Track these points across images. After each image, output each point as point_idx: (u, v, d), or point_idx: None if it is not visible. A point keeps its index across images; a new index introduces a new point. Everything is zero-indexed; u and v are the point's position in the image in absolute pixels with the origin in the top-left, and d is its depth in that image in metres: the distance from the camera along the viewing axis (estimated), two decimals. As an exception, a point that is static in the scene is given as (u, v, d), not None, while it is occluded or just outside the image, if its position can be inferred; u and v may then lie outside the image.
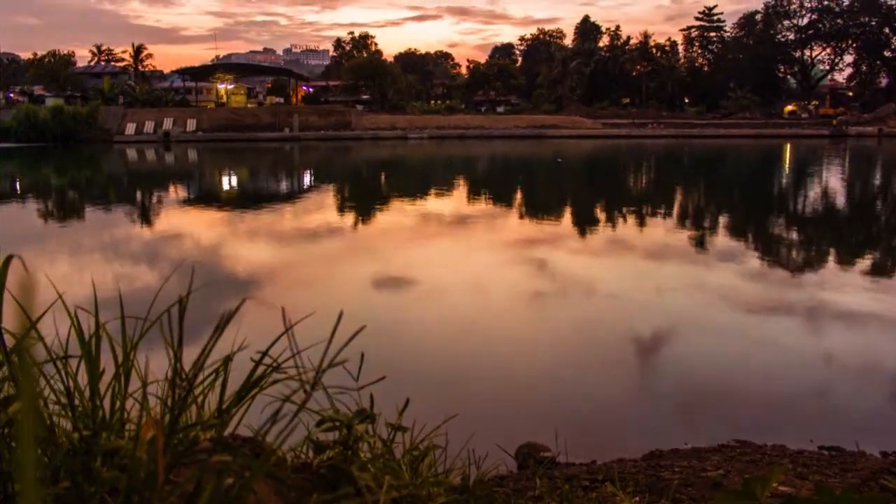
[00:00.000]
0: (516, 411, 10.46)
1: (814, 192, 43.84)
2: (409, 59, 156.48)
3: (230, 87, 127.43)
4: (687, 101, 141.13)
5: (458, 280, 19.09)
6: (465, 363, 12.59)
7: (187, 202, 40.09)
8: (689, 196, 43.78)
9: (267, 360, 2.08)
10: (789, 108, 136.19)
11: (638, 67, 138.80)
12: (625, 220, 32.79)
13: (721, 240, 27.45)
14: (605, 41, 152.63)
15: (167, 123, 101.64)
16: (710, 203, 39.87)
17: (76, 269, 20.29)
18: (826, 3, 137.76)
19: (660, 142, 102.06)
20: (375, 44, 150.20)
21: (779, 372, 12.03)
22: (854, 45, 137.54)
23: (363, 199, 41.25)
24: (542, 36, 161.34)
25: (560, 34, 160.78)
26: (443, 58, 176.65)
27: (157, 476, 1.46)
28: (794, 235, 29.26)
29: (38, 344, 2.09)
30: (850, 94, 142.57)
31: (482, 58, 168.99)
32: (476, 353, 13.11)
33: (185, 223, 31.29)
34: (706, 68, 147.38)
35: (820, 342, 13.95)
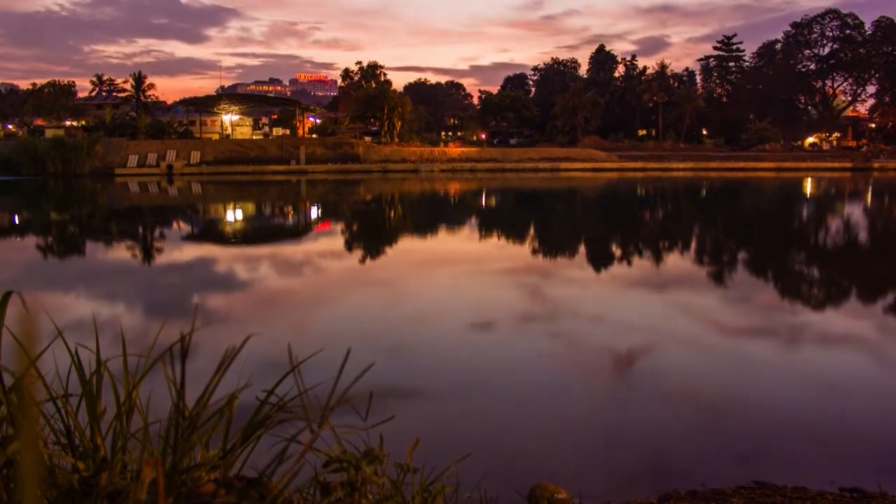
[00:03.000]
0: (529, 448, 10.42)
1: (848, 234, 43.61)
2: (419, 90, 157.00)
3: (235, 118, 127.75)
4: (705, 132, 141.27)
5: (467, 315, 19.06)
6: (476, 398, 12.57)
7: (190, 238, 40.15)
8: (713, 239, 43.74)
9: (273, 399, 2.08)
10: (810, 140, 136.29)
11: (655, 98, 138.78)
12: (640, 256, 32.75)
13: (743, 275, 27.38)
14: (620, 71, 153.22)
15: (170, 155, 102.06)
16: (734, 245, 39.76)
17: (77, 305, 20.33)
18: (848, 32, 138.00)
19: (678, 175, 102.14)
20: (384, 73, 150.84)
21: (798, 409, 11.97)
22: (876, 75, 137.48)
23: (369, 236, 41.32)
24: (556, 65, 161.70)
25: (574, 63, 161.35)
26: (454, 88, 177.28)
27: (158, 518, 1.48)
28: (819, 273, 29.19)
29: (37, 382, 2.10)
30: (873, 125, 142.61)
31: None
32: (487, 388, 13.09)
33: (187, 260, 31.35)
34: (724, 99, 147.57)
35: (840, 378, 13.88)
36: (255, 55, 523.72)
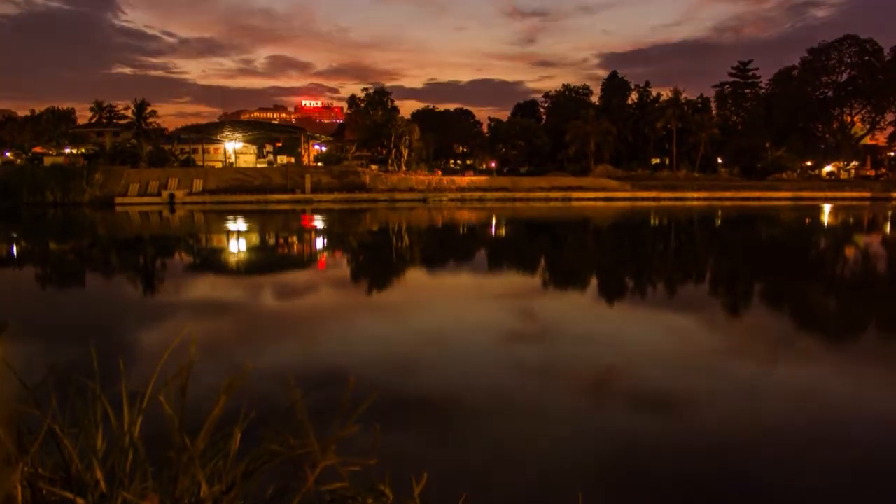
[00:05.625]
0: (538, 484, 10.37)
1: (866, 266, 43.43)
2: (427, 117, 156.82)
3: (238, 145, 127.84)
4: (720, 160, 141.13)
5: (471, 348, 19.07)
6: (482, 429, 12.55)
7: (190, 269, 40.17)
8: (727, 273, 43.63)
9: (276, 429, 2.08)
10: (828, 168, 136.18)
11: (669, 126, 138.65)
12: (652, 287, 32.72)
13: (768, 310, 27.34)
14: (633, 98, 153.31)
15: (172, 184, 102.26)
16: (751, 279, 39.65)
17: (76, 336, 20.33)
18: (866, 58, 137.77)
19: (692, 205, 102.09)
20: (391, 100, 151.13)
21: (826, 450, 11.91)
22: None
23: (373, 268, 41.32)
24: (567, 92, 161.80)
25: (587, 90, 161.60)
26: (463, 115, 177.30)
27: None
28: (836, 306, 29.09)
29: (35, 414, 2.10)
30: (892, 153, 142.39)
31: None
32: (496, 417, 13.08)
33: (187, 291, 31.37)
34: (740, 126, 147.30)
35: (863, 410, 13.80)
36: (255, 83, 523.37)
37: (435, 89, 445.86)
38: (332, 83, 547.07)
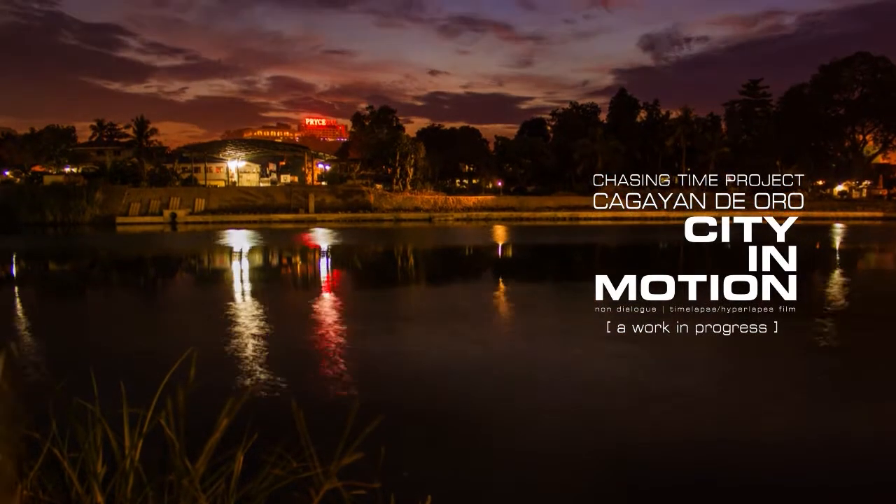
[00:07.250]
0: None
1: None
2: (433, 136, 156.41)
3: (241, 164, 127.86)
4: (730, 179, 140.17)
5: (473, 367, 19.04)
6: (486, 449, 12.51)
7: (191, 287, 40.18)
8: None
9: (279, 448, 2.08)
10: (839, 188, 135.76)
11: (678, 144, 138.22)
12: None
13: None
14: (642, 116, 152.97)
15: (174, 203, 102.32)
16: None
17: (75, 358, 20.32)
18: (878, 76, 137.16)
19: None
20: (396, 118, 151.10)
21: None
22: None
23: (377, 288, 41.30)
24: (575, 110, 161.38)
25: (594, 108, 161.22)
26: (469, 134, 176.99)
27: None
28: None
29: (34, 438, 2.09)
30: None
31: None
32: (497, 442, 13.03)
33: (187, 310, 31.37)
34: (750, 145, 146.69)
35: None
36: (257, 101, 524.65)
37: (437, 105, 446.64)
38: (332, 101, 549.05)
